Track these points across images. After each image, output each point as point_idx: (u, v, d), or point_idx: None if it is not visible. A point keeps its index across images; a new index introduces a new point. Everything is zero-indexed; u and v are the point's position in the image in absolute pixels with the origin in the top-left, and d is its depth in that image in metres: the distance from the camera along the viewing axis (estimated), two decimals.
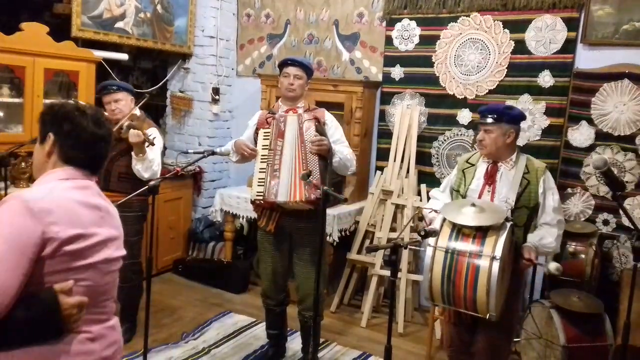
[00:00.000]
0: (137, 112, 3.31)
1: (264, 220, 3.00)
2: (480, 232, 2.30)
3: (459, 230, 2.33)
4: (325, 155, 2.88)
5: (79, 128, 1.47)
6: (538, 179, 2.51)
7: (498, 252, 2.22)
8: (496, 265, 2.21)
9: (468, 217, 2.31)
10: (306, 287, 2.99)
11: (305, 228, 2.93)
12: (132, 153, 3.08)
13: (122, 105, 3.19)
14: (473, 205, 2.35)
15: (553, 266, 2.41)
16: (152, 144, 3.01)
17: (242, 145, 2.97)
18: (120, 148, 3.15)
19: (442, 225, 2.37)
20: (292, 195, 2.82)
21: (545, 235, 2.48)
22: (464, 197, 2.59)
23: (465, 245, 2.29)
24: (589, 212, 3.63)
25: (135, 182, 3.12)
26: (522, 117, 2.61)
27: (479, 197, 2.54)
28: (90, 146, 1.50)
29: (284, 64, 3.05)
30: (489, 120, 2.50)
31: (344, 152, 2.97)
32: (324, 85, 4.18)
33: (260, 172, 2.91)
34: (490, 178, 2.55)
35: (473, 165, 2.64)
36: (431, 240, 2.31)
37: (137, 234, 3.27)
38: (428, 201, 2.96)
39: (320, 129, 2.91)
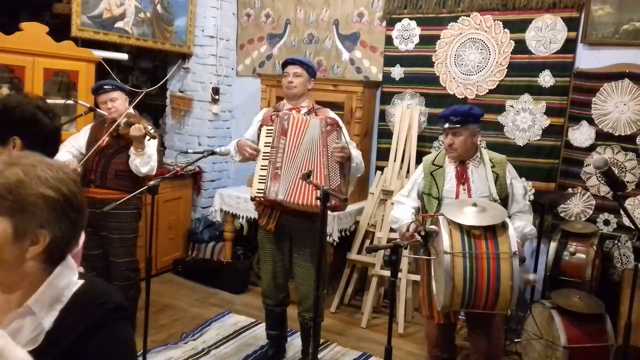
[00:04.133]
0: (131, 111, 3.31)
1: (265, 218, 2.99)
2: (489, 232, 2.32)
3: (468, 232, 2.32)
4: (345, 162, 2.85)
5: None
6: (504, 171, 2.60)
7: (514, 248, 2.26)
8: (516, 262, 2.25)
9: (473, 217, 2.32)
10: (306, 288, 2.98)
11: (306, 228, 2.92)
12: (132, 148, 3.08)
13: (118, 104, 3.19)
14: (474, 205, 2.36)
15: (532, 277, 2.46)
16: (154, 137, 3.02)
17: (245, 146, 2.95)
18: (117, 145, 3.15)
19: (450, 230, 2.34)
20: (297, 196, 2.80)
21: (525, 225, 2.56)
22: (438, 199, 2.60)
23: (481, 247, 2.29)
24: (589, 212, 3.63)
25: (133, 179, 3.13)
26: (482, 114, 2.68)
27: (456, 197, 2.58)
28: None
29: (284, 65, 3.07)
30: (457, 123, 2.53)
31: (358, 156, 2.95)
32: (324, 85, 4.17)
33: (261, 169, 2.90)
34: (462, 177, 2.59)
35: (441, 166, 2.66)
36: (447, 247, 2.28)
37: (134, 232, 3.27)
38: (392, 206, 2.86)
39: (341, 135, 2.88)
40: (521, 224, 2.55)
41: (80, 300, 1.06)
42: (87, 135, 3.28)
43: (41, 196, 1.02)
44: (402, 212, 2.67)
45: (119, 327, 1.08)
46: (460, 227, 2.33)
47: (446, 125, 2.57)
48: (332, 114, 3.05)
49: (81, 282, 1.10)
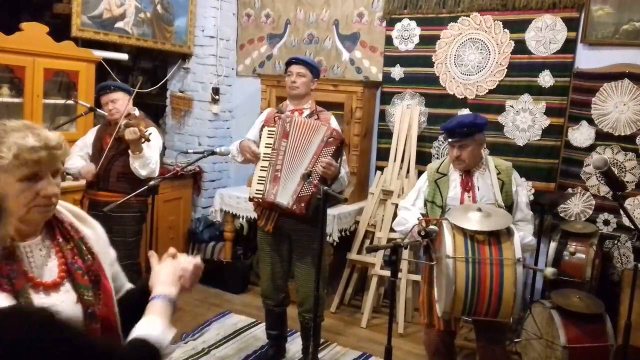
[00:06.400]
0: (136, 112, 3.33)
1: (263, 220, 2.99)
2: (493, 237, 2.28)
3: (472, 237, 2.29)
4: (327, 178, 2.83)
5: None
6: (510, 178, 2.56)
7: (519, 254, 2.22)
8: (520, 268, 2.21)
9: (477, 222, 2.29)
10: (306, 289, 2.98)
11: (305, 229, 2.92)
12: (129, 151, 3.09)
13: (119, 105, 3.20)
14: (479, 210, 2.33)
15: (550, 271, 2.41)
16: (148, 140, 3.02)
17: (246, 148, 2.95)
18: (119, 148, 3.16)
19: (453, 234, 2.30)
20: (292, 200, 2.80)
21: (525, 235, 2.50)
22: (442, 207, 2.56)
23: (484, 252, 2.26)
24: (589, 212, 3.63)
25: (134, 182, 3.13)
26: (486, 122, 2.63)
27: (460, 204, 2.54)
28: None
29: (288, 64, 3.07)
30: (463, 135, 2.48)
31: (344, 176, 2.96)
32: (324, 85, 4.17)
33: (261, 170, 2.90)
34: (467, 185, 2.56)
35: (445, 174, 2.62)
36: (449, 251, 2.24)
37: (136, 235, 3.28)
38: (399, 212, 2.77)
39: (339, 152, 2.86)
40: (521, 235, 2.48)
41: None
42: (93, 137, 3.32)
43: None
44: (410, 215, 2.61)
45: None
46: (463, 231, 2.30)
47: (451, 139, 2.51)
48: (333, 120, 3.04)
49: None
